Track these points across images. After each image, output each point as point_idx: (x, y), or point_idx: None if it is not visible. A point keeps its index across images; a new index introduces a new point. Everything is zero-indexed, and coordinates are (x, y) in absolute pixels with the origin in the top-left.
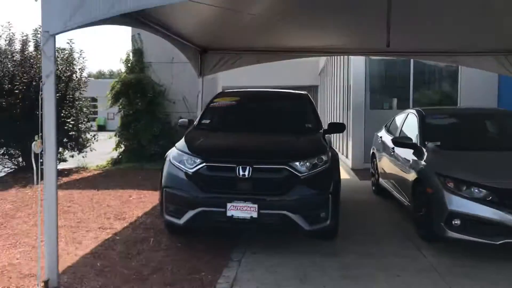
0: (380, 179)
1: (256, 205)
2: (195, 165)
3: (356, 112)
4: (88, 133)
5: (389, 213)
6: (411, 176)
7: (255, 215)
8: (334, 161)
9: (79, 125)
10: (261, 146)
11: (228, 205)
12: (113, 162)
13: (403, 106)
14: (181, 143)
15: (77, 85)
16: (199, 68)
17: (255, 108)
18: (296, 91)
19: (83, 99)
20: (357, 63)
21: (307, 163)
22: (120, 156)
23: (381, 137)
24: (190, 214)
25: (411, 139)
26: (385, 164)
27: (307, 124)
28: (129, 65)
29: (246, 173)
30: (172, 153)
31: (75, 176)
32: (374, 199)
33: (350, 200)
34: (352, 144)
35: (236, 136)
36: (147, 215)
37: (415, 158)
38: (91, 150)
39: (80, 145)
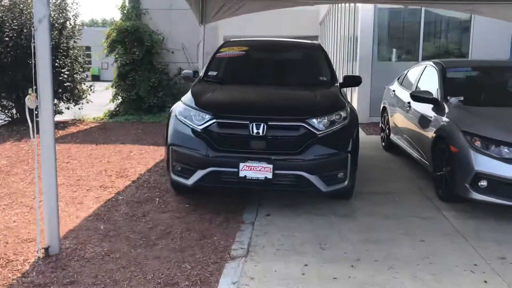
0: (392, 135)
1: (271, 165)
2: (204, 121)
3: (362, 64)
4: (84, 83)
5: (403, 171)
6: (431, 133)
7: (270, 175)
8: (353, 117)
9: (74, 76)
10: (275, 101)
11: (241, 165)
12: (111, 114)
13: (411, 58)
14: (188, 96)
15: (71, 33)
16: (200, 14)
17: (265, 59)
18: (309, 41)
19: (78, 48)
20: (365, 12)
21: (325, 120)
22: (117, 108)
23: (393, 91)
24: (199, 174)
25: (431, 94)
26: (398, 119)
27: (322, 77)
28: (125, 11)
29: (260, 130)
30: (178, 108)
31: (71, 129)
32: (385, 156)
33: (359, 156)
34: (357, 97)
35: (247, 90)
36: (150, 173)
37: (436, 114)
38: (87, 102)
39: (76, 97)
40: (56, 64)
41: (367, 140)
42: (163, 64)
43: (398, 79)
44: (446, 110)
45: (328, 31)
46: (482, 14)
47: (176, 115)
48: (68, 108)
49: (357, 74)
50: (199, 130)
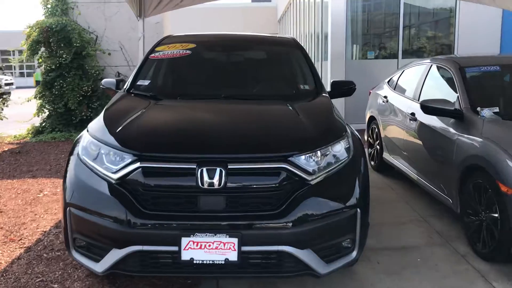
0: (385, 154)
1: (234, 239)
2: (121, 165)
3: (335, 64)
4: None
5: (410, 205)
6: (458, 159)
7: (233, 256)
8: (358, 147)
9: None
10: (238, 128)
11: (184, 240)
12: (35, 131)
13: (390, 55)
14: (98, 122)
15: None
16: (138, 6)
17: (221, 62)
18: (282, 36)
19: None
20: (336, 5)
21: (319, 156)
22: (43, 124)
23: (385, 97)
24: (115, 255)
25: (451, 103)
26: (396, 134)
27: (303, 84)
28: (48, 6)
29: (216, 179)
30: (82, 141)
31: None
32: (377, 180)
33: None
34: None
35: (194, 110)
36: (59, 229)
37: (461, 133)
38: (1, 119)
39: None
40: None
41: None
42: (98, 69)
43: (388, 82)
44: (479, 127)
45: (289, 28)
46: (480, 2)
47: (78, 154)
48: None
49: (328, 75)
50: (114, 181)
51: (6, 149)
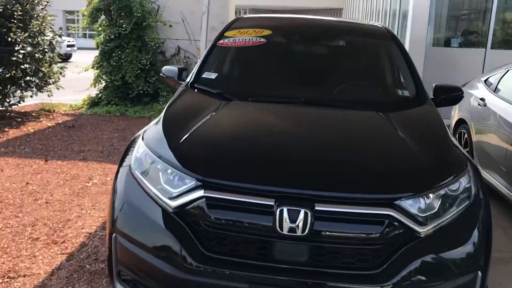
0: (478, 167)
1: None
2: (182, 189)
3: (413, 50)
4: (55, 63)
5: (510, 235)
6: None
7: None
8: (479, 184)
9: (37, 55)
10: (329, 155)
11: None
12: (91, 102)
13: (477, 44)
14: (156, 129)
15: None
16: None
17: (302, 54)
18: (372, 24)
19: (43, 16)
20: None
21: (432, 199)
22: (99, 95)
23: (481, 99)
24: None
25: None
26: (494, 146)
27: (402, 89)
28: None
29: (299, 224)
30: (136, 150)
31: (29, 126)
32: None
33: None
34: None
35: (271, 120)
36: (105, 231)
37: None
38: (57, 88)
39: (42, 82)
40: (9, 39)
41: None
42: (158, 41)
43: (485, 81)
44: None
45: (358, 3)
46: None
47: (130, 167)
48: (32, 96)
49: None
50: (171, 210)
51: (61, 121)
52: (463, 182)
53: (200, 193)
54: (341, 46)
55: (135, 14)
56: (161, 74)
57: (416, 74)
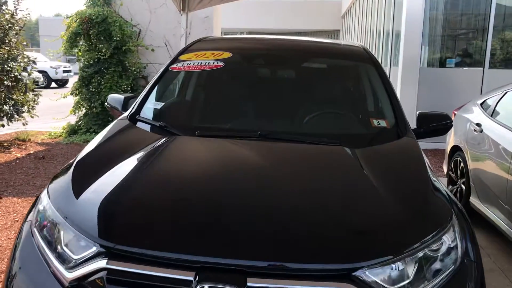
0: (473, 198)
1: None
2: (82, 258)
3: (406, 71)
4: (30, 91)
5: (511, 278)
6: None
7: None
8: (468, 239)
9: (6, 82)
10: (267, 211)
11: None
12: (70, 130)
13: (474, 63)
14: (64, 178)
15: (4, 22)
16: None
17: (264, 80)
18: (348, 44)
19: (16, 42)
20: (413, 1)
21: (405, 266)
22: (79, 122)
23: (477, 124)
24: None
25: None
26: (492, 178)
27: (378, 119)
28: None
29: None
30: (40, 204)
31: None
32: None
33: None
34: None
35: (211, 162)
36: None
37: None
38: (31, 117)
39: (13, 110)
40: None
41: None
42: (139, 66)
43: (481, 104)
44: None
45: (353, 25)
46: None
47: (31, 224)
48: (3, 126)
49: (398, 84)
50: (68, 284)
51: (32, 151)
52: (447, 240)
53: (100, 263)
54: (310, 70)
55: (115, 38)
56: (105, 104)
57: (395, 101)
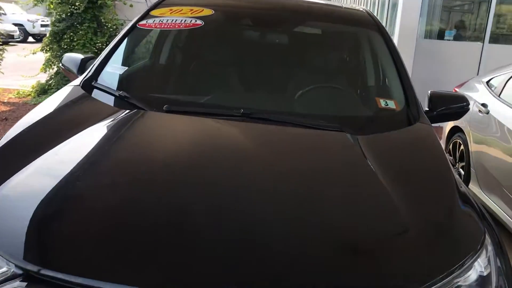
0: (473, 185)
1: None
2: None
3: (402, 43)
4: None
5: None
6: None
7: None
8: (502, 264)
9: None
10: (238, 227)
11: None
12: (40, 89)
13: (473, 37)
14: None
15: None
16: None
17: (251, 45)
18: (350, 8)
19: None
20: None
21: None
22: (50, 81)
23: (483, 105)
24: None
25: None
26: (498, 164)
27: (385, 98)
28: None
29: None
30: None
31: None
32: None
33: None
34: None
35: (177, 151)
36: None
37: None
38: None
39: None
40: None
41: None
42: (116, 23)
43: (487, 82)
44: None
45: None
46: None
47: None
48: None
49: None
50: None
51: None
52: (479, 267)
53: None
54: (306, 35)
55: None
56: (60, 65)
57: (406, 77)
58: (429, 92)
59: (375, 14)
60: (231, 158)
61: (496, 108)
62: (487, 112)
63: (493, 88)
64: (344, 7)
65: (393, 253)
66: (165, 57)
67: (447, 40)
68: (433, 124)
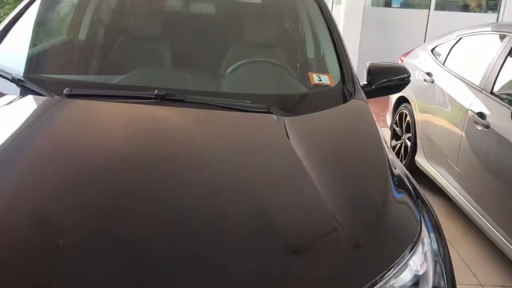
0: (419, 157)
1: None
2: None
3: (350, 10)
4: None
5: (462, 257)
6: None
7: None
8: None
9: None
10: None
11: None
12: None
13: (420, 4)
14: None
15: None
16: None
17: (174, 16)
18: None
19: None
20: None
21: None
22: None
23: (427, 73)
24: None
25: None
26: (442, 134)
27: (318, 72)
28: None
29: None
30: None
31: None
32: None
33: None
34: None
35: (74, 147)
36: None
37: None
38: None
39: None
40: None
41: None
42: None
43: (432, 51)
44: None
45: None
46: None
47: None
48: None
49: (340, 26)
50: None
51: None
52: (414, 266)
53: None
54: (234, 5)
55: None
56: None
57: (342, 49)
58: (368, 64)
59: None
60: (138, 154)
61: (441, 77)
62: (432, 81)
63: (437, 56)
64: None
65: (317, 256)
66: (72, 31)
67: (395, 7)
68: (375, 98)
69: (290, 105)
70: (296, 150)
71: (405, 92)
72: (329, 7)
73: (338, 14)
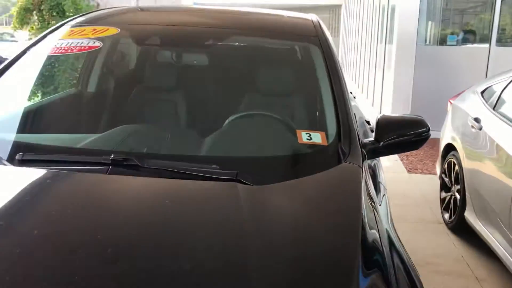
0: (469, 212)
1: None
2: None
3: (401, 50)
4: None
5: None
6: None
7: None
8: None
9: None
10: None
11: None
12: None
13: (479, 40)
14: None
15: None
16: None
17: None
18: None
19: None
20: None
21: None
22: None
23: (475, 119)
24: None
25: None
26: (493, 189)
27: (310, 129)
28: None
29: None
30: None
31: None
32: (454, 253)
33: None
34: (393, 95)
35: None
36: None
37: None
38: None
39: None
40: None
41: (408, 188)
42: None
43: (482, 93)
44: None
45: None
46: None
47: None
48: None
49: (392, 63)
50: None
51: None
52: None
53: None
54: (223, 55)
55: (67, 13)
56: None
57: (343, 101)
58: (378, 116)
59: (377, 21)
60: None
61: (490, 123)
62: (480, 128)
63: (487, 99)
64: (287, 16)
65: None
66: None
67: (450, 45)
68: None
69: (266, 170)
70: (248, 232)
71: (453, 138)
72: (381, 47)
73: (391, 53)
